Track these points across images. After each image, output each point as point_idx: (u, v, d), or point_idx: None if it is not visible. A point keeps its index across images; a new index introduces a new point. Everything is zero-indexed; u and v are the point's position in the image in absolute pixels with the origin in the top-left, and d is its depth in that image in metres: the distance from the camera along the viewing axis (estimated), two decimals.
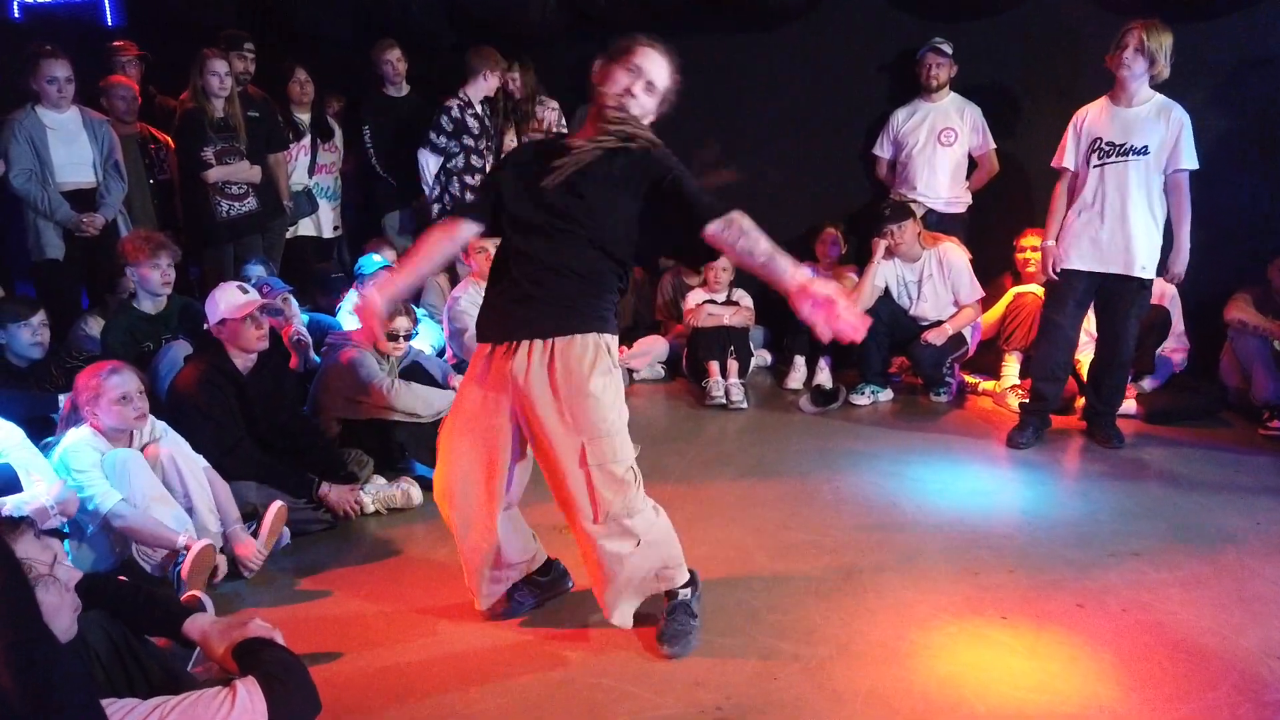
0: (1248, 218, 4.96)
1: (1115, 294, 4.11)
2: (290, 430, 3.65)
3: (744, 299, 5.43)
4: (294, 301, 4.54)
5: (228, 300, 3.42)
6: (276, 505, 3.19)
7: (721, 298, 5.45)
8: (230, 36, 5.31)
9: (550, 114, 5.72)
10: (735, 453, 4.20)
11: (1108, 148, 3.98)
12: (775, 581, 2.98)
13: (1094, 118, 4.07)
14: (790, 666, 2.53)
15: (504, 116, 5.63)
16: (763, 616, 2.80)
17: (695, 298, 5.47)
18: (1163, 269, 4.12)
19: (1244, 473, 3.93)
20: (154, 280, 3.94)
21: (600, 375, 2.41)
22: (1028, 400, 4.42)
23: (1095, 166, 4.02)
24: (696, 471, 4.01)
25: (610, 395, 2.42)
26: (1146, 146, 3.93)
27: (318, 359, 4.11)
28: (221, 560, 3.00)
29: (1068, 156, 4.14)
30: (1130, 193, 3.96)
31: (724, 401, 4.90)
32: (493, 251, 4.21)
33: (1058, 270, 4.19)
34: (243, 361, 3.49)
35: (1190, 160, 3.96)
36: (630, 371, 5.44)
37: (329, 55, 6.10)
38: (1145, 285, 4.09)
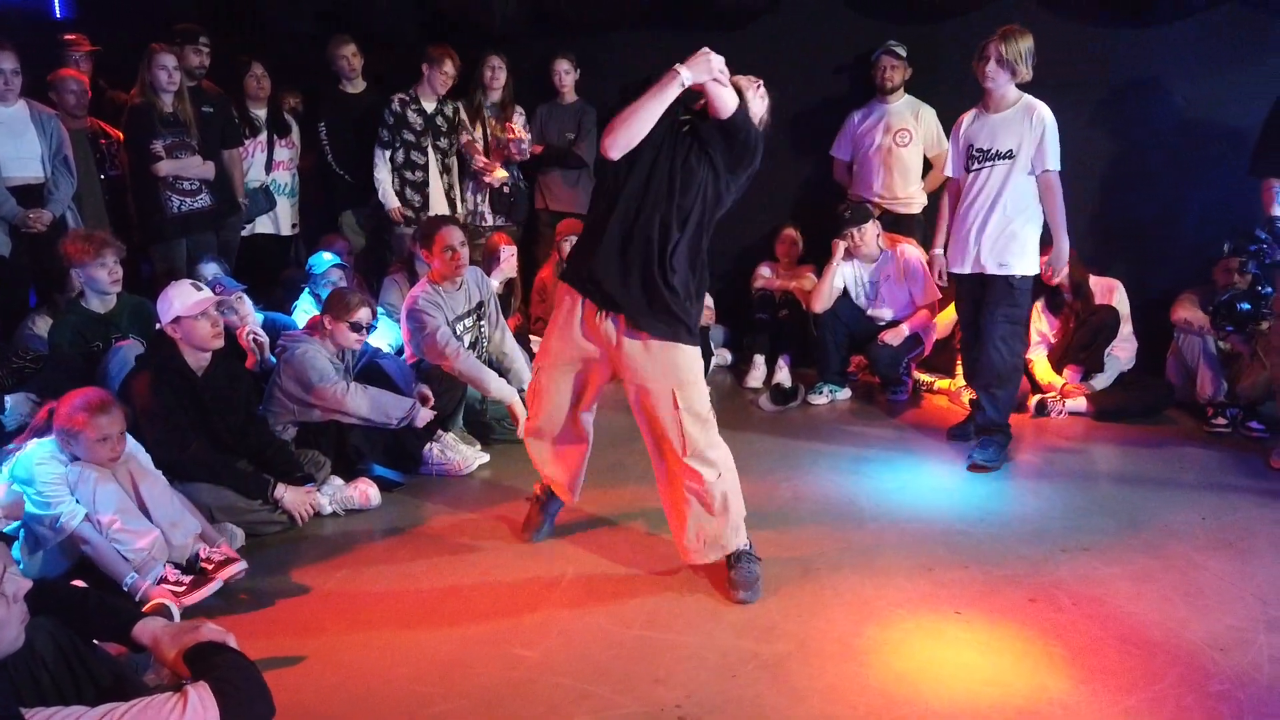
0: (1194, 220, 5.08)
1: (985, 294, 4.09)
2: (245, 431, 3.60)
3: (704, 298, 5.45)
4: (248, 300, 4.47)
5: (181, 298, 3.36)
6: (237, 566, 3.05)
7: None
8: (185, 31, 5.22)
9: (518, 118, 5.70)
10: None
11: (978, 154, 4.02)
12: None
13: (968, 125, 4.11)
14: (749, 664, 2.55)
15: (475, 112, 5.58)
16: (722, 614, 2.82)
17: None
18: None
19: (1189, 469, 4.03)
20: (102, 279, 3.86)
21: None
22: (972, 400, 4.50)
23: (971, 172, 4.07)
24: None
25: (692, 347, 2.84)
26: (1011, 150, 3.94)
27: (274, 359, 4.06)
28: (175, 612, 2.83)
29: (950, 165, 4.23)
30: (998, 196, 3.96)
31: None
32: (462, 253, 4.24)
33: (943, 276, 4.27)
34: (196, 361, 3.43)
35: (1054, 161, 3.91)
36: None
37: (287, 51, 6.02)
38: (1014, 285, 4.02)
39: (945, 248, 4.24)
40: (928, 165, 5.41)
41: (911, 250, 5.08)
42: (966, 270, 4.11)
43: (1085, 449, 4.33)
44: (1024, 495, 3.77)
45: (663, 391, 2.80)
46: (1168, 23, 4.91)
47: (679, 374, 2.80)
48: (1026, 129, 3.91)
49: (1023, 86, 3.94)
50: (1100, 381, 4.84)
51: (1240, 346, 4.51)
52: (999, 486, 3.85)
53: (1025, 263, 3.98)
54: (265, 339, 4.26)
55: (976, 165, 4.01)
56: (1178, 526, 3.40)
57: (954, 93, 5.40)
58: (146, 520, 2.95)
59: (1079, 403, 4.74)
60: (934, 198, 5.41)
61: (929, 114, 5.31)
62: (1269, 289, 3.64)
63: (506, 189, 5.65)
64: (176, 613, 2.66)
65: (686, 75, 2.64)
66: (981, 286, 4.09)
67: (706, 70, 2.65)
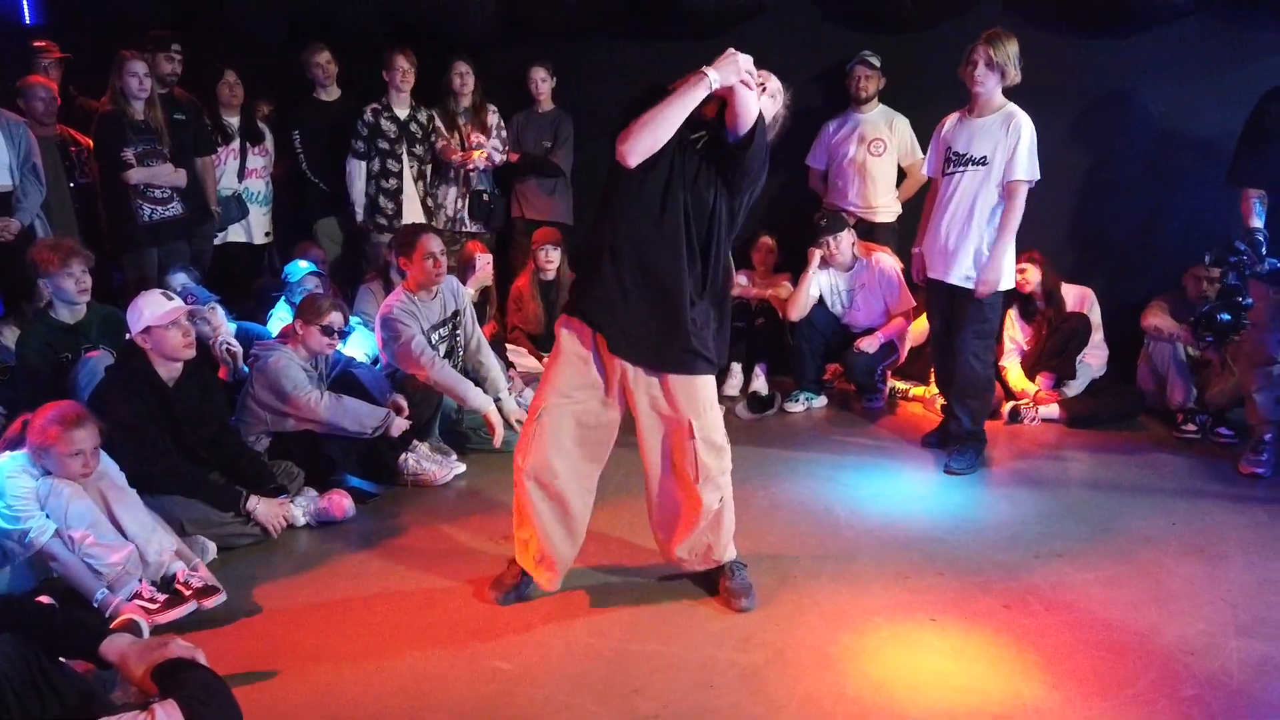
0: (1166, 227, 5.14)
1: (951, 303, 4.13)
2: (218, 442, 3.56)
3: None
4: (221, 311, 4.42)
5: (151, 307, 3.32)
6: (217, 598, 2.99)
7: None
8: (156, 38, 5.18)
9: (492, 118, 5.68)
10: None
11: (954, 157, 4.04)
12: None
13: (949, 128, 4.12)
14: (727, 673, 2.55)
15: (449, 119, 5.56)
16: (700, 623, 2.82)
17: None
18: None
19: (1160, 475, 4.08)
20: (70, 289, 3.80)
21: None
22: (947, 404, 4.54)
23: (946, 175, 4.09)
24: (635, 480, 3.99)
25: (708, 376, 2.76)
26: (985, 157, 3.94)
27: (247, 369, 4.02)
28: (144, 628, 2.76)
29: (929, 165, 4.28)
30: (971, 206, 3.98)
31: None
32: (443, 261, 4.20)
33: (921, 279, 4.31)
34: (167, 371, 3.39)
35: (1024, 171, 3.88)
36: None
37: (260, 58, 5.98)
38: (984, 301, 4.01)
39: (923, 247, 4.26)
40: (902, 174, 5.45)
41: (886, 259, 5.11)
42: (939, 277, 4.14)
43: (1058, 455, 4.37)
44: (998, 502, 3.79)
45: (679, 421, 2.73)
46: (1141, 33, 4.98)
47: (696, 405, 2.72)
48: (1003, 136, 3.91)
49: (1005, 93, 3.97)
50: (1073, 388, 4.90)
51: (1210, 354, 4.57)
52: (973, 493, 3.88)
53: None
54: (239, 349, 4.22)
55: (951, 169, 4.03)
56: (1149, 532, 3.44)
57: (928, 103, 5.46)
58: (120, 535, 2.90)
59: (1052, 409, 4.79)
60: (909, 206, 5.46)
61: (903, 124, 5.36)
62: (1249, 300, 3.68)
63: (486, 196, 5.64)
64: (145, 629, 2.62)
65: (714, 77, 2.51)
66: (952, 297, 4.11)
67: (734, 72, 2.51)
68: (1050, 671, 2.53)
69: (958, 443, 4.17)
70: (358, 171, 5.41)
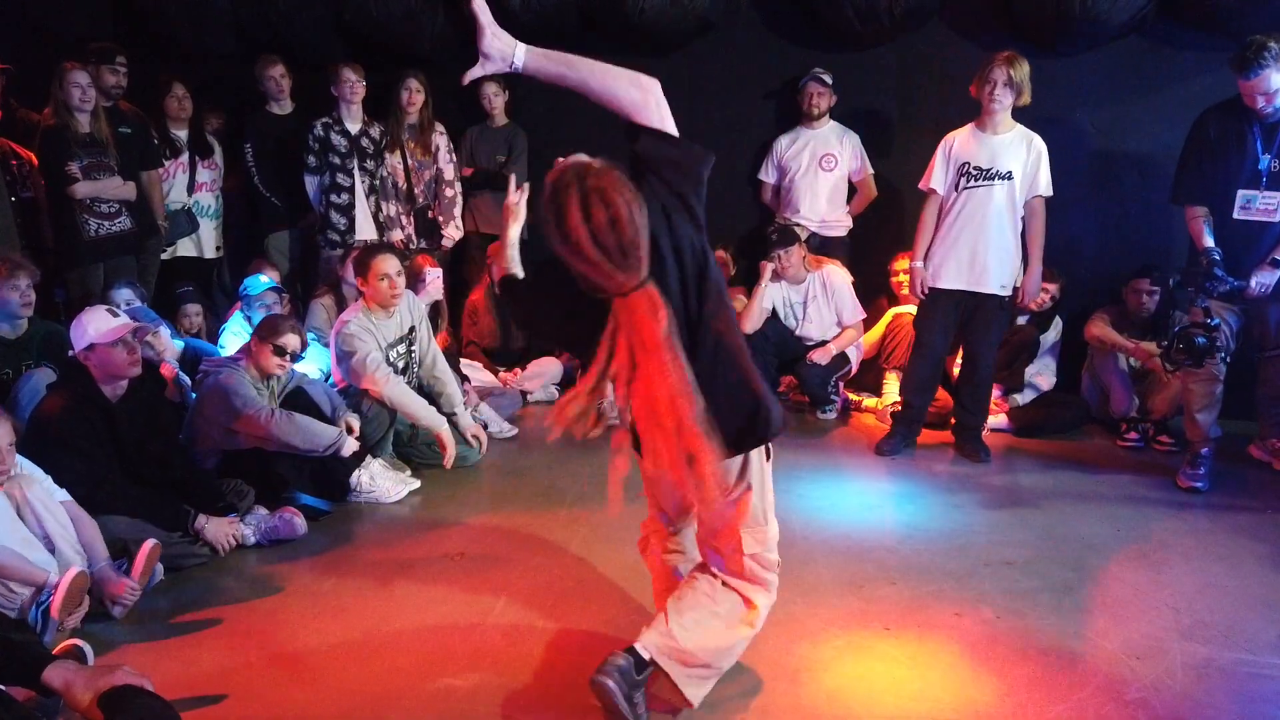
0: (1108, 241, 5.28)
1: (977, 311, 4.34)
2: (165, 460, 3.48)
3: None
4: (166, 333, 4.32)
5: (96, 324, 3.24)
6: (150, 543, 3.04)
7: None
8: (102, 49, 5.08)
9: (439, 139, 5.67)
10: (629, 474, 4.21)
11: (976, 172, 4.21)
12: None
13: (963, 143, 4.29)
14: None
15: (396, 135, 5.53)
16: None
17: None
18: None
19: (1105, 483, 4.18)
20: (13, 302, 3.72)
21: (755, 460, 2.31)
22: (899, 410, 4.63)
23: (963, 189, 4.24)
24: (592, 493, 4.02)
25: (762, 481, 2.33)
26: (1010, 172, 4.18)
27: (195, 395, 3.94)
28: (89, 654, 2.71)
29: (936, 179, 4.36)
30: (994, 215, 4.21)
31: (617, 421, 4.90)
32: (399, 282, 4.18)
33: (926, 290, 4.40)
34: (111, 389, 3.31)
35: (1047, 187, 4.24)
36: (524, 394, 5.42)
37: (209, 70, 5.90)
38: (1004, 304, 4.34)
39: (926, 260, 4.39)
40: (853, 189, 5.54)
41: (838, 272, 5.19)
42: (959, 286, 4.30)
43: (1007, 464, 4.45)
44: (949, 510, 3.85)
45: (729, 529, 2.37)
46: (1078, 54, 5.12)
47: (749, 513, 2.32)
48: (1026, 154, 4.18)
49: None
50: (1021, 398, 5.00)
51: (1151, 364, 4.70)
52: (925, 503, 3.94)
53: (1013, 283, 4.32)
54: (188, 382, 4.15)
55: (972, 183, 4.19)
56: (1095, 539, 3.52)
57: (877, 119, 5.57)
58: (43, 549, 2.82)
59: (1000, 419, 4.89)
60: (859, 221, 5.55)
61: (852, 139, 5.44)
62: (1216, 320, 3.79)
63: (431, 213, 5.61)
64: (90, 655, 2.56)
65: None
66: (972, 302, 4.30)
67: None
68: (1002, 679, 2.58)
69: (967, 432, 4.51)
70: (310, 185, 5.36)
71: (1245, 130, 3.82)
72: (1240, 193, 3.84)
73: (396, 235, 5.48)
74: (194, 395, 3.97)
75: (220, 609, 3.04)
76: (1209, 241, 3.88)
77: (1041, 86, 4.25)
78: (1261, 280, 3.77)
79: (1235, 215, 3.85)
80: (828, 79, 5.36)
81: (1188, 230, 4.03)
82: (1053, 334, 5.10)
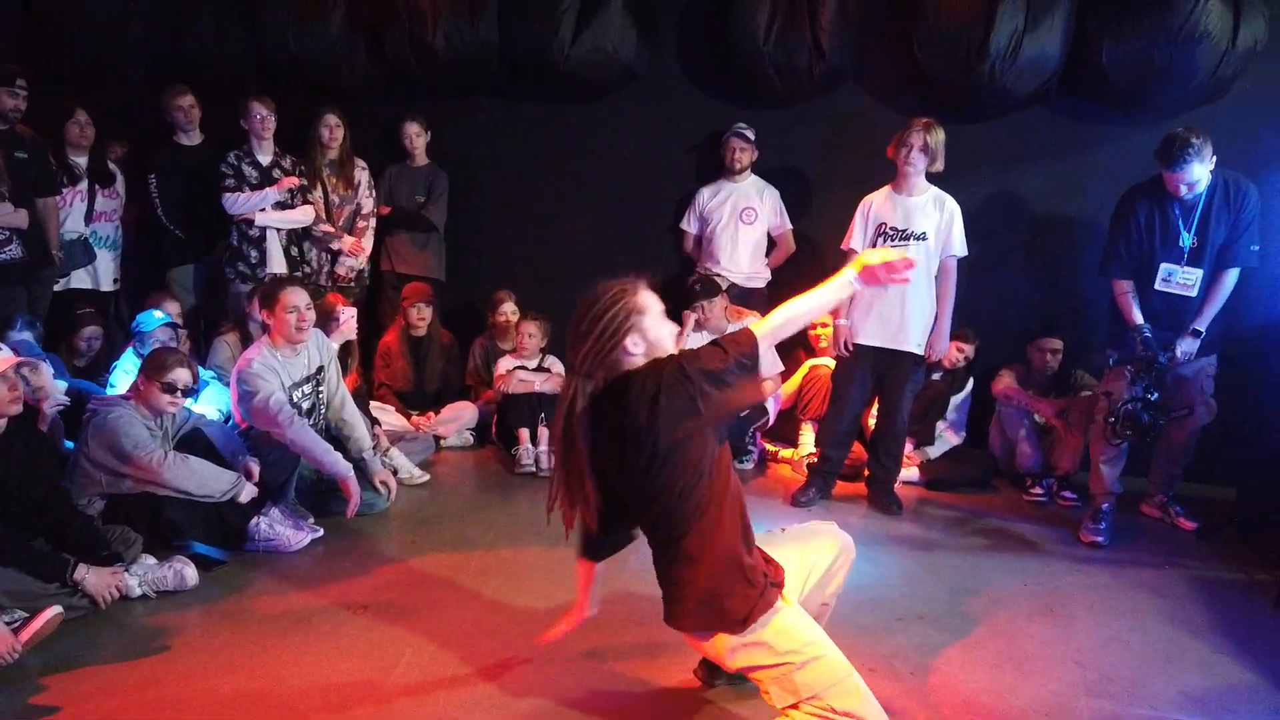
0: (1017, 301, 5.44)
1: (893, 368, 4.45)
2: (44, 506, 3.25)
3: (555, 365, 5.42)
4: (46, 369, 4.03)
5: None
6: (54, 610, 2.84)
7: (533, 364, 5.41)
8: (1, 71, 4.84)
9: (360, 174, 5.56)
10: (545, 523, 4.12)
11: (892, 232, 4.32)
12: (585, 657, 2.91)
13: (879, 204, 4.42)
14: None
15: (314, 172, 5.41)
16: (570, 693, 2.72)
17: (506, 364, 5.40)
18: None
19: (1012, 537, 4.25)
20: None
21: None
22: (815, 462, 4.66)
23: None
24: (505, 542, 3.91)
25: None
26: (925, 233, 4.31)
27: (70, 443, 3.70)
28: None
29: (855, 239, 4.45)
30: (915, 276, 4.28)
31: (534, 469, 4.82)
32: (308, 316, 4.04)
33: (849, 346, 4.46)
34: None
35: (961, 247, 4.37)
36: (438, 439, 5.29)
37: (117, 97, 5.69)
38: (919, 361, 4.45)
39: (849, 317, 4.47)
40: (772, 243, 5.61)
41: None
42: (878, 344, 4.40)
43: (918, 517, 4.50)
44: (861, 564, 3.79)
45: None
46: (986, 120, 5.32)
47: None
48: (938, 215, 4.31)
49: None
50: (933, 451, 5.09)
51: (1054, 421, 4.84)
52: None
53: (927, 341, 4.41)
54: (61, 426, 3.91)
55: (889, 244, 4.30)
56: (1003, 593, 3.57)
57: (798, 176, 5.68)
58: None
59: (912, 472, 4.96)
60: (778, 274, 5.61)
61: (773, 194, 5.53)
62: (1155, 394, 3.92)
63: (335, 243, 5.48)
64: None
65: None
66: (890, 359, 4.41)
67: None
68: None
69: (879, 485, 4.57)
70: (240, 198, 5.14)
71: (1169, 209, 4.02)
72: (1162, 265, 4.04)
73: (310, 269, 5.34)
74: (69, 442, 3.72)
75: (97, 667, 2.82)
76: (1139, 318, 4.06)
77: (953, 150, 4.40)
78: (1185, 350, 4.00)
79: (1156, 287, 4.06)
80: (750, 134, 5.45)
81: (1113, 301, 4.20)
82: (965, 391, 5.22)
